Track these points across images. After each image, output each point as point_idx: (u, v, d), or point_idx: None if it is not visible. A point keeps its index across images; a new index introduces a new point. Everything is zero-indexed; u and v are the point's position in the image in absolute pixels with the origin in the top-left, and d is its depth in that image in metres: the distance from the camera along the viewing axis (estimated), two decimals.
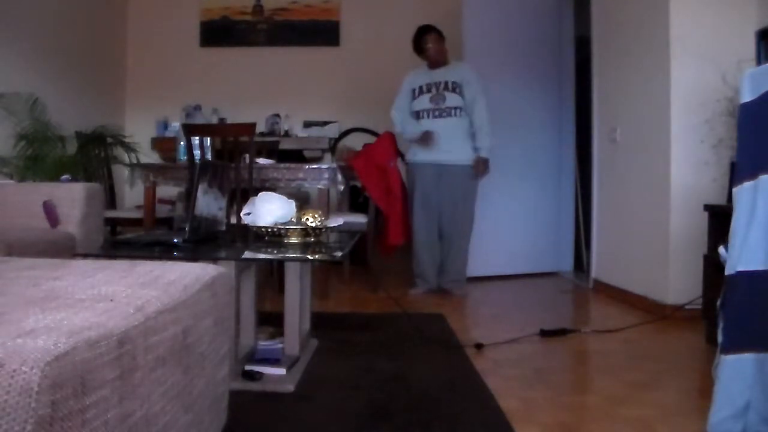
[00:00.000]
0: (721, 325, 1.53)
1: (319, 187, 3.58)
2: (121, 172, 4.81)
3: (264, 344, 2.25)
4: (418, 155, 3.90)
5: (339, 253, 1.98)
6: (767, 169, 1.44)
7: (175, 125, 4.75)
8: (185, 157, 3.55)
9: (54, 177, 3.62)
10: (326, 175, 3.56)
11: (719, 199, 2.93)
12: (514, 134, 4.47)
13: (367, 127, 5.15)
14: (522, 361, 2.42)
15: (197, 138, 3.39)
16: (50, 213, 2.76)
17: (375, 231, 4.04)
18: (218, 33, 5.61)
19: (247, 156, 3.38)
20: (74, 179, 3.59)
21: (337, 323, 3.00)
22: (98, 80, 5.20)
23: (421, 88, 3.94)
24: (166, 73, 5.57)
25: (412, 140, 3.94)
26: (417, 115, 3.93)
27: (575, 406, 1.94)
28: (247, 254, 2.01)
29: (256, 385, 1.98)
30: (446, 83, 3.90)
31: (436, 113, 3.89)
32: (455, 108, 3.87)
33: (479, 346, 2.55)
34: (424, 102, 3.91)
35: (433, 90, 3.91)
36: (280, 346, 2.21)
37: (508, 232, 4.47)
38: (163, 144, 5.05)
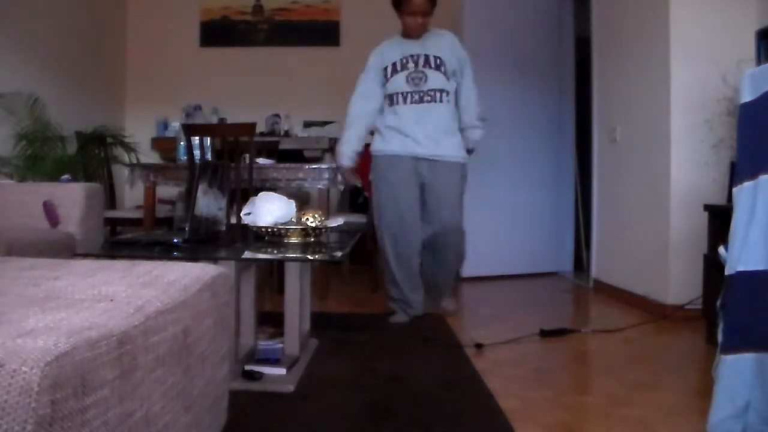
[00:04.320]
0: (721, 325, 1.53)
1: (319, 187, 3.58)
2: (121, 172, 4.80)
3: (264, 344, 2.25)
4: (392, 145, 3.08)
5: (339, 253, 1.98)
6: (767, 169, 1.44)
7: (175, 125, 4.75)
8: (185, 157, 3.55)
9: (54, 177, 3.62)
10: (326, 175, 3.56)
11: (719, 199, 2.93)
12: (514, 134, 4.48)
13: None
14: (522, 361, 2.42)
15: (197, 138, 3.39)
16: (50, 213, 2.76)
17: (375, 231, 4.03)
18: (218, 33, 5.61)
19: (247, 156, 3.38)
20: (74, 179, 3.59)
21: (337, 323, 2.99)
22: (98, 80, 5.20)
23: (394, 65, 3.07)
24: (166, 73, 5.57)
25: (339, 157, 3.19)
26: (390, 100, 3.08)
27: (575, 406, 1.94)
28: (247, 254, 2.01)
29: (256, 385, 1.98)
30: (426, 58, 3.05)
31: (416, 97, 3.03)
32: (440, 91, 3.04)
33: (479, 346, 2.55)
34: (399, 83, 3.05)
35: (410, 65, 3.05)
36: (280, 346, 2.21)
37: (508, 232, 4.47)
38: (163, 144, 5.05)
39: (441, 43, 3.10)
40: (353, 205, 4.88)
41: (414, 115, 3.03)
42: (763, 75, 1.50)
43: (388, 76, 3.08)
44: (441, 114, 3.06)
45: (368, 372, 2.21)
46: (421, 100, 3.03)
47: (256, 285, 2.23)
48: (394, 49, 3.10)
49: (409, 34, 3.09)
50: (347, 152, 3.15)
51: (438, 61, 3.04)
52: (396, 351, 2.52)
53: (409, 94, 3.04)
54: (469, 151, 3.20)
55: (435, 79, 3.03)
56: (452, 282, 3.35)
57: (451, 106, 3.09)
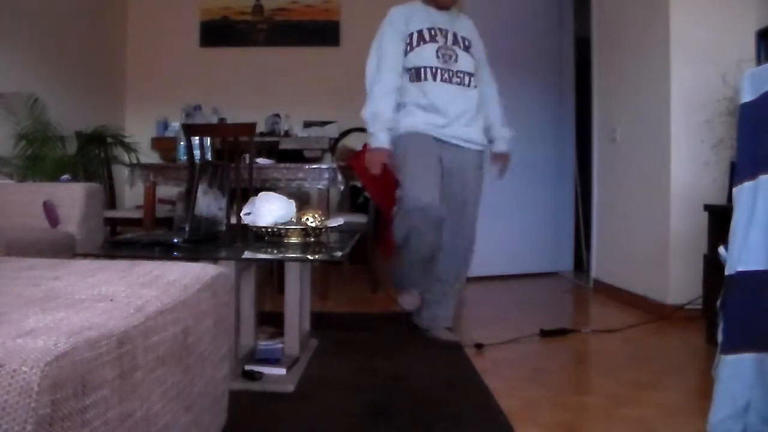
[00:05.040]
0: (721, 325, 1.52)
1: (319, 187, 3.58)
2: (121, 172, 4.80)
3: (264, 344, 2.25)
4: (416, 120, 2.64)
5: (339, 253, 1.98)
6: (767, 169, 1.44)
7: (175, 125, 4.76)
8: (185, 157, 3.55)
9: (54, 177, 3.62)
10: (326, 175, 3.56)
11: (719, 199, 2.93)
12: (514, 134, 4.47)
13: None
14: (522, 361, 2.42)
15: (197, 138, 3.39)
16: (50, 213, 2.76)
17: (375, 231, 4.03)
18: (218, 33, 5.61)
19: (247, 156, 3.38)
20: (74, 179, 3.59)
21: (337, 323, 2.99)
22: (98, 80, 5.20)
23: (421, 33, 2.65)
24: (166, 73, 5.57)
25: (373, 139, 2.69)
26: (417, 74, 2.65)
27: (575, 406, 1.94)
28: (247, 254, 2.01)
29: (256, 385, 1.98)
30: (455, 36, 2.70)
31: (445, 75, 2.63)
32: (469, 75, 2.69)
33: (479, 346, 2.55)
34: (428, 55, 2.63)
35: (440, 40, 2.66)
36: (280, 346, 2.21)
37: (508, 232, 4.47)
38: (163, 144, 5.05)
39: (466, 25, 2.80)
40: (353, 205, 4.88)
41: (445, 95, 2.63)
42: (763, 75, 1.50)
43: (414, 44, 2.64)
44: (470, 99, 2.70)
45: (368, 372, 2.21)
46: (450, 80, 2.64)
47: (256, 285, 2.23)
48: (420, 15, 2.68)
49: (438, 1, 2.71)
50: (383, 130, 2.63)
51: (467, 42, 2.71)
52: (396, 351, 2.52)
53: (438, 71, 2.62)
54: (502, 159, 2.93)
55: (465, 61, 2.68)
56: (453, 309, 2.82)
57: (477, 93, 2.74)
